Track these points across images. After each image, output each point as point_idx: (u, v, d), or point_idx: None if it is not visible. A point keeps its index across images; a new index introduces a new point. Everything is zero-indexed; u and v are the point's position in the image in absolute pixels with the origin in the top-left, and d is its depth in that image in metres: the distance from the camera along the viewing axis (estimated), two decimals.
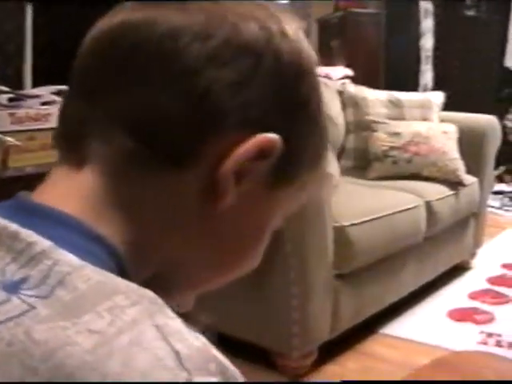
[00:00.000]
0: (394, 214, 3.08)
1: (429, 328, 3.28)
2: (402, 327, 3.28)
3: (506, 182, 6.77)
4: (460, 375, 1.58)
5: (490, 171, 4.24)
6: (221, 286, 0.79)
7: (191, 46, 0.61)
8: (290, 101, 0.66)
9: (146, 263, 0.65)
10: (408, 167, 3.74)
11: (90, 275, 0.52)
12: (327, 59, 6.60)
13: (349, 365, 2.86)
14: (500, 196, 6.39)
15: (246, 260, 0.73)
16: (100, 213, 0.61)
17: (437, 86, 6.60)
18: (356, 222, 2.79)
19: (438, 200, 3.52)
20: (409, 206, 3.23)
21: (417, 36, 7.47)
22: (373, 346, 3.07)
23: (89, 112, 0.64)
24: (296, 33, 0.68)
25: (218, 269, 0.72)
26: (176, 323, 0.52)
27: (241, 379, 0.53)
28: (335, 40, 6.97)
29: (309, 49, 0.69)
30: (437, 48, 7.47)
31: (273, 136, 0.63)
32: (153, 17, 0.63)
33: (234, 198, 0.64)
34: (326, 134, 0.74)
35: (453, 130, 3.92)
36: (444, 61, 7.44)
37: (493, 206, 5.98)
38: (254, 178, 0.65)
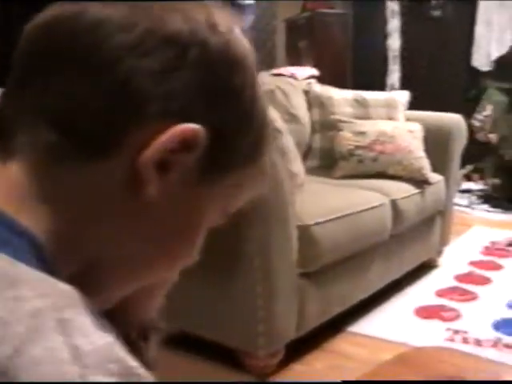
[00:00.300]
0: (359, 212, 3.08)
1: (396, 325, 3.29)
2: (370, 325, 3.29)
3: (473, 181, 6.82)
4: (421, 370, 1.59)
5: (456, 169, 4.27)
6: (171, 284, 0.79)
7: (113, 36, 0.62)
8: (218, 92, 0.66)
9: (71, 255, 0.64)
10: (374, 166, 3.76)
11: (2, 266, 0.52)
12: (295, 59, 6.63)
13: (316, 363, 2.87)
14: (467, 194, 6.46)
15: (181, 255, 0.72)
16: (24, 205, 0.61)
17: (404, 86, 6.64)
18: (320, 220, 2.79)
19: (403, 198, 3.53)
20: (374, 205, 3.24)
21: (384, 36, 7.52)
22: (340, 344, 3.07)
23: (18, 107, 0.64)
24: (228, 27, 0.68)
25: (151, 263, 0.71)
26: (85, 319, 0.51)
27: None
28: (303, 40, 6.99)
29: (244, 43, 0.70)
30: (404, 48, 7.53)
31: (195, 126, 0.62)
32: (80, 11, 0.63)
33: (159, 191, 0.63)
34: (266, 130, 0.73)
35: (418, 129, 3.94)
36: (411, 61, 7.48)
37: (460, 205, 6.03)
38: (180, 171, 0.64)
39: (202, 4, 0.68)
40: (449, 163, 4.10)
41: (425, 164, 3.83)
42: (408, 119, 4.14)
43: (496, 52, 7.16)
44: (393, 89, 7.12)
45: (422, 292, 3.79)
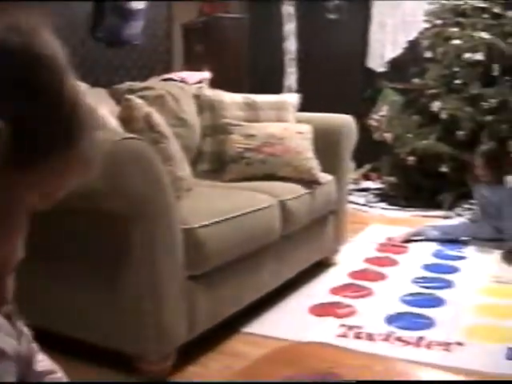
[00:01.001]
0: (246, 214, 3.10)
1: (290, 324, 3.33)
2: (264, 325, 3.32)
3: (371, 180, 6.95)
4: (293, 365, 1.63)
5: (347, 169, 4.33)
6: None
7: None
8: (20, 88, 0.71)
9: None
10: (263, 168, 3.78)
11: None
12: (192, 64, 6.63)
13: (211, 365, 2.88)
14: (365, 193, 6.58)
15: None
16: None
17: (301, 88, 6.73)
18: (206, 223, 2.80)
19: (292, 199, 3.56)
20: (262, 206, 3.26)
21: (280, 39, 7.61)
22: (235, 344, 3.10)
23: None
24: (32, 29, 0.73)
25: None
26: None
27: None
28: (200, 45, 7.02)
29: (49, 44, 0.74)
30: (301, 50, 7.62)
31: None
32: None
33: None
34: (77, 124, 0.78)
35: (307, 130, 3.98)
36: (308, 63, 7.59)
37: (357, 203, 6.15)
38: None
39: (8, 11, 0.73)
40: (339, 163, 4.17)
41: (314, 164, 3.88)
42: (299, 121, 4.18)
43: (390, 53, 7.34)
44: (290, 91, 7.20)
45: (316, 290, 3.85)
